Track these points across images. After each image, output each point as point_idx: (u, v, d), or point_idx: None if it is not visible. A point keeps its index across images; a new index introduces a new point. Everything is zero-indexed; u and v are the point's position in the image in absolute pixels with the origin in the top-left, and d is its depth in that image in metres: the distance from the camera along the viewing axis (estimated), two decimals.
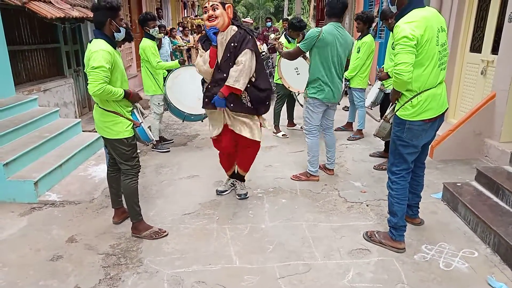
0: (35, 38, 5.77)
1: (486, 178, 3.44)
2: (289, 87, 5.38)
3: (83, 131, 5.22)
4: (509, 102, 4.13)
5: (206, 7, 3.11)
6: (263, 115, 3.45)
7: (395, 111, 2.71)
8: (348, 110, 6.22)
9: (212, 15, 3.09)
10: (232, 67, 3.12)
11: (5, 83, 4.69)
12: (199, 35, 10.04)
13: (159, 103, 4.98)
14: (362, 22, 5.22)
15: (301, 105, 5.23)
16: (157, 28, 4.79)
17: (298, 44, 3.83)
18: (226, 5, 3.14)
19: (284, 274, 2.58)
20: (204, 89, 3.35)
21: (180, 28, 11.03)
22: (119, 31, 2.82)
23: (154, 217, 3.35)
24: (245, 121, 3.31)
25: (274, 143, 5.37)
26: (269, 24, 11.24)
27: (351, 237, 3.00)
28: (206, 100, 3.28)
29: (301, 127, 4.50)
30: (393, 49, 2.58)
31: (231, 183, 3.81)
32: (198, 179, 4.19)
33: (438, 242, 2.91)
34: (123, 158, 2.93)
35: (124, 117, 2.86)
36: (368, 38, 5.25)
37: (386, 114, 2.93)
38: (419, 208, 3.13)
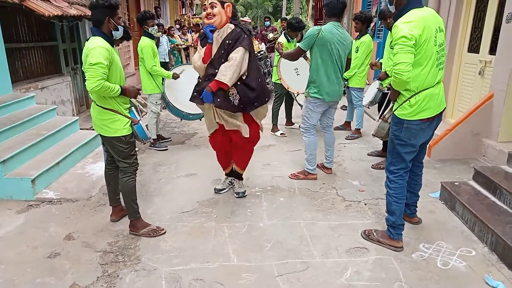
0: (33, 36, 5.76)
1: (483, 177, 3.46)
2: (288, 88, 5.38)
3: (80, 129, 5.21)
4: (506, 102, 4.14)
5: (205, 4, 3.15)
6: (259, 122, 3.48)
7: (393, 110, 2.72)
8: (346, 109, 6.23)
9: (210, 13, 3.14)
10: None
11: (2, 81, 4.68)
12: (198, 34, 10.03)
13: (156, 102, 4.97)
14: (360, 22, 5.23)
15: (300, 106, 5.24)
16: (156, 27, 4.77)
17: (298, 44, 3.83)
18: (225, 4, 3.17)
19: (282, 272, 2.58)
20: (196, 84, 3.38)
21: (177, 26, 11.00)
22: (117, 30, 2.82)
23: (152, 215, 3.35)
24: (232, 118, 3.29)
25: (272, 142, 5.37)
26: (267, 23, 11.23)
27: (349, 236, 3.00)
28: (195, 94, 3.31)
29: (299, 126, 4.50)
30: (392, 48, 2.59)
31: (229, 181, 3.81)
32: (196, 177, 4.19)
33: (436, 241, 2.91)
34: (121, 156, 2.93)
35: (122, 115, 2.85)
36: (367, 37, 5.26)
37: (384, 113, 2.94)
38: (417, 207, 3.14)
